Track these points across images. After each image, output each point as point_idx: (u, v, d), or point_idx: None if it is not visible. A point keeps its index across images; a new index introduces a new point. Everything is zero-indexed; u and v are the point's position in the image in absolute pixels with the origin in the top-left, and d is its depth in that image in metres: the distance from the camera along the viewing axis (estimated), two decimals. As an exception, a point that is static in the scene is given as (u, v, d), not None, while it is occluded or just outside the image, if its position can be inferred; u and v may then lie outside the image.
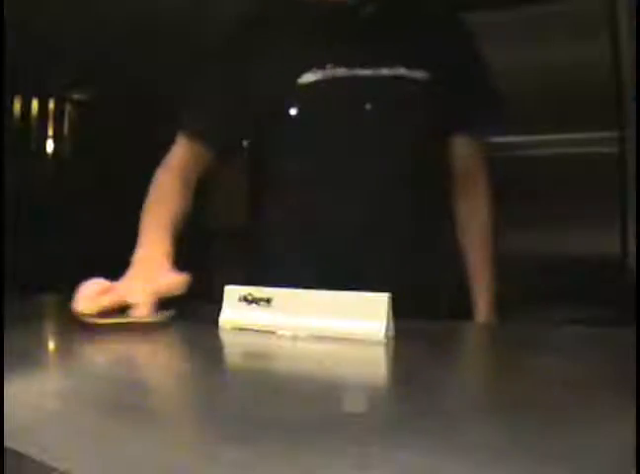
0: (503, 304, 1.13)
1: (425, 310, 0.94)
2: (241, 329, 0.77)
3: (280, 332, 0.74)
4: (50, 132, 2.87)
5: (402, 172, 1.05)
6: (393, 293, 0.72)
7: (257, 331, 0.76)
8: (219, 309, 0.80)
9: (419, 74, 1.05)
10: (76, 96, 2.93)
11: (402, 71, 1.04)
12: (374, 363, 0.65)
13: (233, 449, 0.35)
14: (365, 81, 1.04)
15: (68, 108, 2.91)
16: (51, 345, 0.78)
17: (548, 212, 1.88)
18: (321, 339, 0.70)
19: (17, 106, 2.75)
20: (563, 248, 1.92)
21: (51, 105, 2.87)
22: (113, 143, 2.78)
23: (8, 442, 0.35)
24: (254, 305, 0.76)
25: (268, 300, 0.76)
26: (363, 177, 1.04)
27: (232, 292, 0.79)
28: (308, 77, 1.05)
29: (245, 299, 0.77)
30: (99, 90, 2.88)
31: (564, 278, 1.84)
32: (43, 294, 1.29)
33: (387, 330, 0.68)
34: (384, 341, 0.67)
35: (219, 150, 1.14)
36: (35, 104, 2.82)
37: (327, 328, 0.71)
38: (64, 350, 0.72)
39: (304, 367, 0.63)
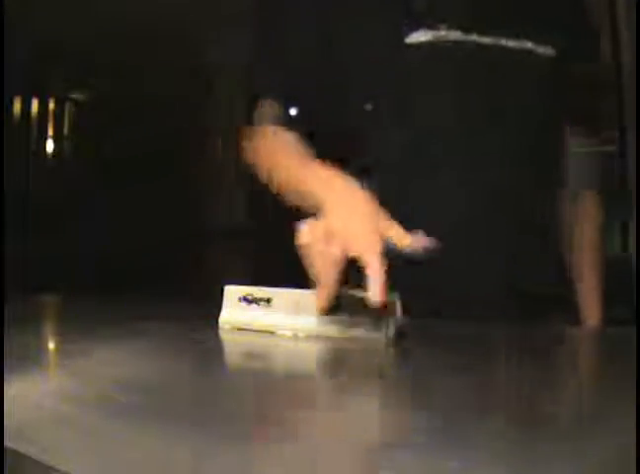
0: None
1: (529, 312, 0.88)
2: (241, 329, 0.77)
3: (280, 332, 0.74)
4: (50, 132, 2.87)
5: (512, 155, 0.93)
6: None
7: (257, 331, 0.76)
8: (219, 309, 0.80)
9: (546, 51, 0.93)
10: (76, 96, 2.93)
11: (528, 45, 0.92)
12: (374, 363, 0.65)
13: (233, 449, 0.35)
14: (484, 50, 0.92)
15: (68, 108, 2.92)
16: (51, 345, 0.78)
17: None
18: (321, 339, 0.70)
19: (17, 106, 2.75)
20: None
21: (51, 105, 2.87)
22: (113, 143, 2.78)
23: (8, 442, 0.35)
24: (254, 305, 0.76)
25: (268, 300, 0.76)
26: (468, 158, 0.92)
27: (232, 292, 0.79)
28: (417, 36, 0.91)
29: (245, 299, 0.77)
30: (99, 90, 2.89)
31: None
32: (43, 294, 1.29)
33: (387, 330, 0.68)
34: (385, 340, 0.67)
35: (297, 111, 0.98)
36: (35, 104, 2.82)
37: (327, 328, 0.71)
38: (64, 350, 0.72)
39: (304, 367, 0.63)
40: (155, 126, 2.65)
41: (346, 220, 0.69)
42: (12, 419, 0.39)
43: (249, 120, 1.01)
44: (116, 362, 0.60)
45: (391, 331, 0.68)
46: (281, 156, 0.93)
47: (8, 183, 2.09)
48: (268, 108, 1.00)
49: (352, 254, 0.64)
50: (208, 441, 0.36)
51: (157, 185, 2.66)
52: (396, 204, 0.85)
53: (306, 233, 0.67)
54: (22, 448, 0.34)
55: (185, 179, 2.80)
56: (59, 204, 2.66)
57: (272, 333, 0.74)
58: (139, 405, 0.44)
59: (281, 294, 0.76)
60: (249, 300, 0.76)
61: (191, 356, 0.65)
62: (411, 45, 0.91)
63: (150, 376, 0.55)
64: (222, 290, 0.79)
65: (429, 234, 0.85)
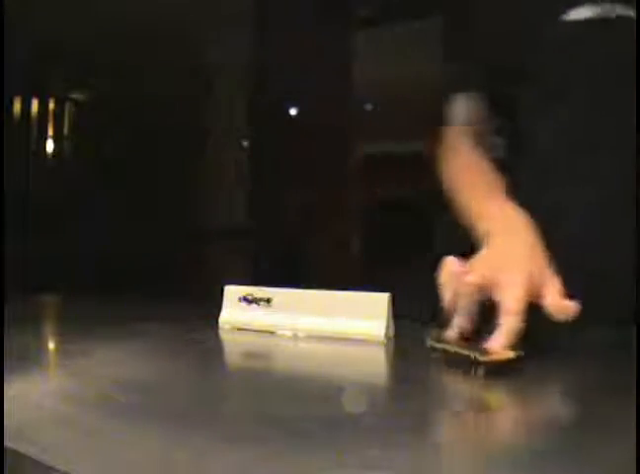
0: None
1: None
2: (241, 329, 0.77)
3: (280, 332, 0.74)
4: (50, 132, 2.87)
5: None
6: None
7: (257, 331, 0.76)
8: (219, 309, 0.80)
9: None
10: (76, 96, 2.93)
11: None
12: (374, 363, 0.65)
13: (233, 449, 0.35)
14: None
15: (68, 108, 2.92)
16: (51, 345, 0.78)
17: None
18: (321, 339, 0.70)
19: (17, 106, 2.76)
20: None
21: (51, 105, 2.87)
22: (113, 143, 2.78)
23: (8, 442, 0.35)
24: (254, 305, 0.76)
25: (268, 300, 0.76)
26: (628, 138, 0.81)
27: (232, 292, 0.79)
28: (579, 13, 0.83)
29: (245, 299, 0.77)
30: (99, 90, 2.89)
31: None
32: (43, 294, 1.29)
33: (387, 330, 0.68)
34: (384, 341, 0.67)
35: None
36: (35, 104, 2.82)
37: (327, 328, 0.71)
38: (64, 350, 0.72)
39: (304, 367, 0.63)
40: (155, 127, 2.65)
41: (501, 257, 0.64)
42: (12, 419, 0.39)
43: (442, 119, 0.95)
44: (115, 363, 0.60)
45: (391, 330, 0.68)
46: (470, 181, 0.88)
47: (8, 183, 2.09)
48: (462, 103, 0.95)
49: (493, 291, 0.59)
50: (208, 442, 0.36)
51: (157, 185, 2.67)
52: (549, 184, 0.81)
53: (450, 265, 0.64)
54: (22, 448, 0.34)
55: (185, 179, 2.81)
56: (59, 204, 2.66)
57: (272, 333, 0.74)
58: (139, 405, 0.44)
59: (281, 294, 0.76)
60: (249, 300, 0.76)
61: (191, 357, 0.65)
62: (570, 22, 0.83)
63: (150, 376, 0.55)
64: (222, 290, 0.79)
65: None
